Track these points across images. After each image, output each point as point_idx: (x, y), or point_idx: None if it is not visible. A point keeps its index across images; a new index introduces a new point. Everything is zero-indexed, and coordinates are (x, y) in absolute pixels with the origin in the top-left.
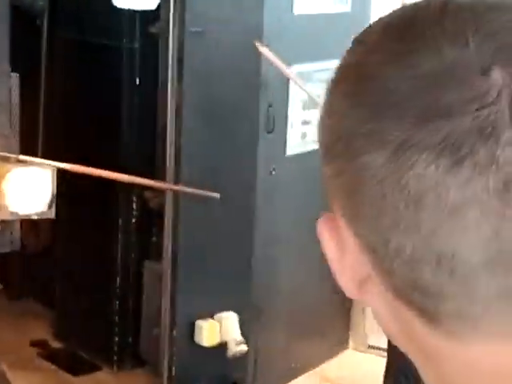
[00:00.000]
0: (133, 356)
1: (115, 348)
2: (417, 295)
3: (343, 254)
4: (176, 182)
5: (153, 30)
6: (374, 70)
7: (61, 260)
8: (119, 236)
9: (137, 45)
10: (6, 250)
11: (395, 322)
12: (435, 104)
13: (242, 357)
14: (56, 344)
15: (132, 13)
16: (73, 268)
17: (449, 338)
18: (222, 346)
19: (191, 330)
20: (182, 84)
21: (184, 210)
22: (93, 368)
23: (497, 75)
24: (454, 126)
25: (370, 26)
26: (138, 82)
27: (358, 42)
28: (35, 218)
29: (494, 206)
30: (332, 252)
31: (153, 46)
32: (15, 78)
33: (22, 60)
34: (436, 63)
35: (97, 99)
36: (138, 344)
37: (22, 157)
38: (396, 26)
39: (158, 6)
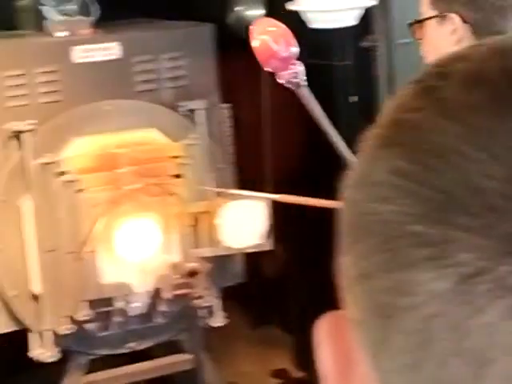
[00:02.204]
0: None
1: None
2: None
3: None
4: None
5: (364, 44)
6: None
7: (297, 284)
8: None
9: (349, 61)
10: (229, 283)
11: None
12: None
13: None
14: (297, 373)
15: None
16: (311, 292)
17: None
18: None
19: None
20: None
21: None
22: None
23: None
24: None
25: None
26: (351, 100)
27: None
28: (252, 250)
29: None
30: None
31: (364, 62)
32: (226, 109)
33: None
34: None
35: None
36: None
37: (233, 191)
38: None
39: (367, 20)
